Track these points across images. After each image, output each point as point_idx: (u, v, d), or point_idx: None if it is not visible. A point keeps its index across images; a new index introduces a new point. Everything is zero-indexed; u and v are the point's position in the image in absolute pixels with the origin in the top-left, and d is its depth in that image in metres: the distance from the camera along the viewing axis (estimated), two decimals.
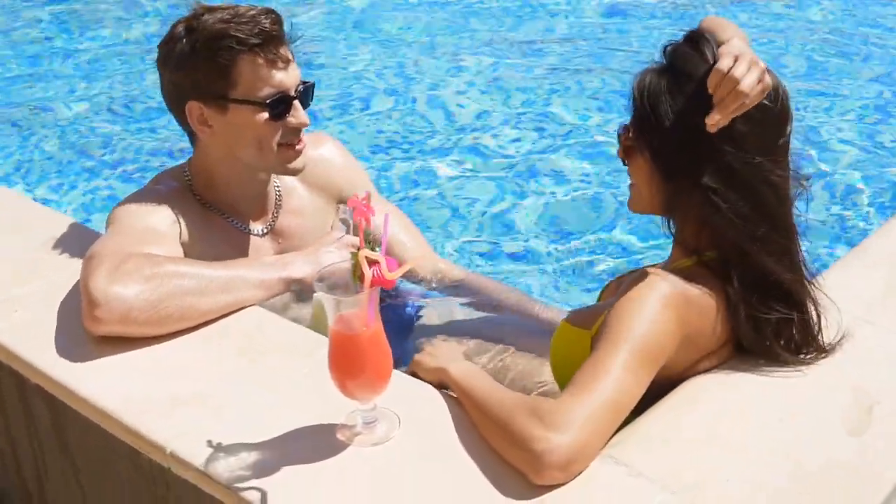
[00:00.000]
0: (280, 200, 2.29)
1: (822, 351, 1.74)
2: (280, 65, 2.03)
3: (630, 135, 1.73)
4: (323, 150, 2.40)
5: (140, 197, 2.17)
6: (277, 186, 2.29)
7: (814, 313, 1.74)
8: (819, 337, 1.75)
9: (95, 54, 5.50)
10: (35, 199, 3.71)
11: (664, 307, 1.59)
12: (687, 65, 1.66)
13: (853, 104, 4.62)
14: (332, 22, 6.05)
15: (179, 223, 2.10)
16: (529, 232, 3.68)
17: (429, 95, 4.89)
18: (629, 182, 1.81)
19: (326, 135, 2.53)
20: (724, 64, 1.58)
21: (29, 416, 1.95)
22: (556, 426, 1.44)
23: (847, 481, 1.50)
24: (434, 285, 2.50)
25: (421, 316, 2.50)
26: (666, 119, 1.65)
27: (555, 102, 4.73)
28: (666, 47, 1.71)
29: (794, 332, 1.73)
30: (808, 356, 1.73)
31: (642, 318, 1.57)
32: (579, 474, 1.46)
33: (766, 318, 1.68)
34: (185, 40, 2.02)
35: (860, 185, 3.88)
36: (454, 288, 2.50)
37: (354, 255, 1.46)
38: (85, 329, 1.84)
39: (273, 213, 2.28)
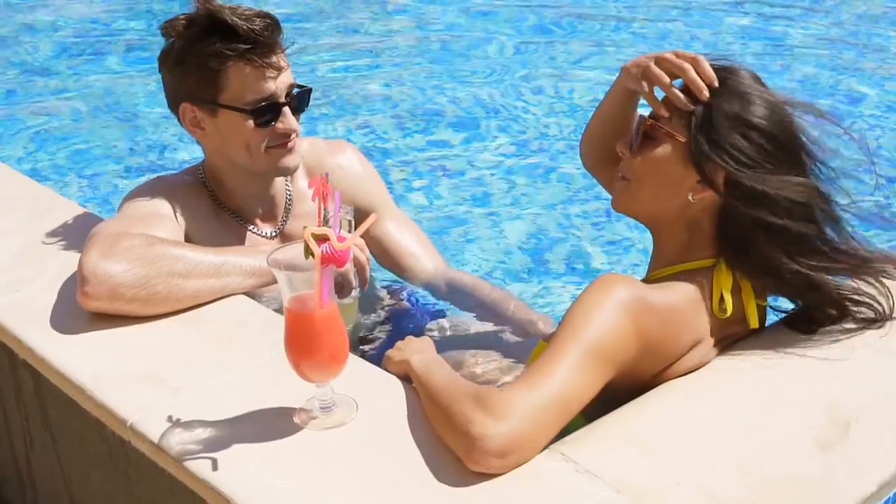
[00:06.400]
0: (290, 205, 2.30)
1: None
2: (270, 72, 2.03)
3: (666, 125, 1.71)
4: (341, 157, 2.41)
5: (151, 185, 2.22)
6: (289, 191, 2.30)
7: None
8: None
9: None
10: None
11: (620, 312, 1.55)
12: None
13: None
14: None
15: (187, 213, 2.13)
16: None
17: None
18: (621, 176, 1.79)
19: (346, 143, 2.55)
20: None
21: (19, 391, 1.99)
22: (496, 413, 1.41)
23: (806, 496, 1.43)
24: (444, 293, 2.49)
25: (431, 327, 2.49)
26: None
27: None
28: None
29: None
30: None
31: (596, 319, 1.53)
32: (518, 466, 1.43)
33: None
34: (180, 41, 2.06)
35: None
36: (464, 297, 2.48)
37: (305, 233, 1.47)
38: (79, 305, 1.87)
39: (283, 217, 2.29)
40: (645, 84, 1.72)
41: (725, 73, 1.69)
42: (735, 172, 1.62)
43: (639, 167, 1.74)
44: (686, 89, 1.68)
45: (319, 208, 1.50)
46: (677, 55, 1.69)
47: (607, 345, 1.52)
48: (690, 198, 1.68)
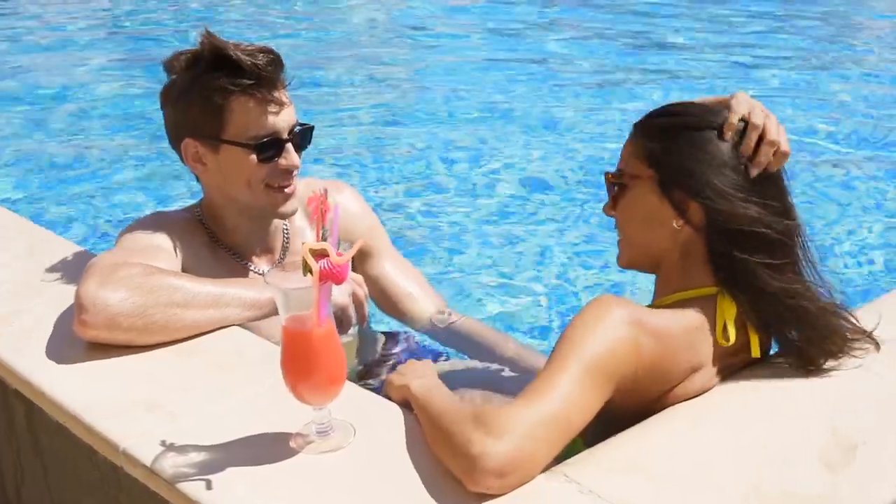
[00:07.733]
0: (288, 242, 2.29)
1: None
2: (272, 108, 2.04)
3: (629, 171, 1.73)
4: (339, 198, 2.41)
5: (149, 219, 2.21)
6: (286, 229, 2.30)
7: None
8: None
9: None
10: None
11: (619, 328, 1.53)
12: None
13: None
14: None
15: (184, 248, 2.12)
16: None
17: None
18: (618, 238, 1.82)
19: (344, 183, 2.55)
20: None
21: (10, 421, 1.96)
22: (495, 431, 1.38)
23: None
24: (442, 334, 2.46)
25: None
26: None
27: None
28: None
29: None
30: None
31: (596, 335, 1.51)
32: (518, 486, 1.40)
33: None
34: (184, 76, 2.06)
35: None
36: (463, 338, 2.46)
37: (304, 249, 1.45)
38: (76, 334, 1.85)
39: (280, 255, 2.28)
40: (740, 111, 1.69)
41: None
42: (698, 197, 1.65)
43: (621, 216, 1.78)
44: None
45: (318, 224, 1.48)
46: (779, 131, 1.68)
47: (608, 360, 1.50)
48: (675, 224, 1.69)
